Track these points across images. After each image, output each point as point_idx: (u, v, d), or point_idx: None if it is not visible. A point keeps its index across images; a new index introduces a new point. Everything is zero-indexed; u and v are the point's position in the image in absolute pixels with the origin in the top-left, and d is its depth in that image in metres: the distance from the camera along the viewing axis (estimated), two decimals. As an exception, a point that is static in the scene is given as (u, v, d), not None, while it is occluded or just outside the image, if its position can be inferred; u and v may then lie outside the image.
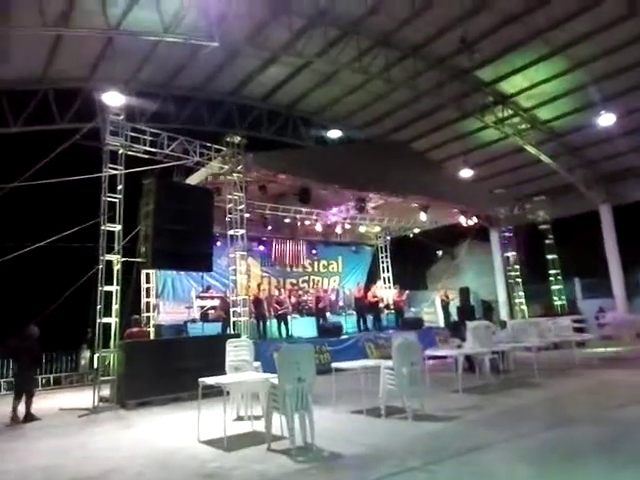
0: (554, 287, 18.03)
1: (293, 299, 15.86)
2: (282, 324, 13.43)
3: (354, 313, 16.16)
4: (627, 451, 4.53)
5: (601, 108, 13.63)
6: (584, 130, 15.49)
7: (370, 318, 15.35)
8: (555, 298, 17.98)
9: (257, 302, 13.40)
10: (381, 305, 16.36)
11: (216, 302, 13.64)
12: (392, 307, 16.77)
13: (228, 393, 5.95)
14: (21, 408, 7.72)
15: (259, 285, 14.88)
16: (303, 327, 14.57)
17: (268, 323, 13.36)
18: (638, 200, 17.57)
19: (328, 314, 15.21)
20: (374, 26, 11.85)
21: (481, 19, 11.39)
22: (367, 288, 16.48)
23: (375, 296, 15.71)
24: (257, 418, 6.19)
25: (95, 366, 9.21)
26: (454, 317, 16.40)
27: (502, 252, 19.62)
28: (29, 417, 7.67)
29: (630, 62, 12.54)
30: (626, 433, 5.19)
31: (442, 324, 16.25)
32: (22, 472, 4.87)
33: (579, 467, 4.10)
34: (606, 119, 13.58)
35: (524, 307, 18.30)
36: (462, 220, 16.25)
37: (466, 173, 16.96)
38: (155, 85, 13.56)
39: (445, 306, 16.62)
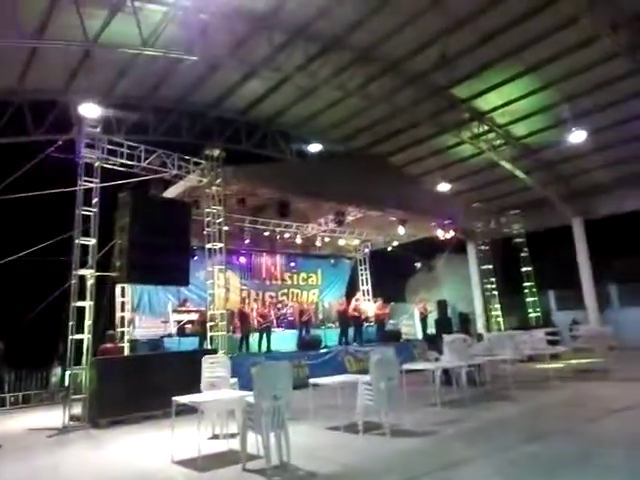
0: (529, 299, 18.35)
1: (273, 312, 15.78)
2: (264, 337, 13.28)
3: (334, 326, 16.13)
4: (601, 464, 4.59)
5: (572, 125, 14.04)
6: (557, 146, 15.92)
7: (351, 331, 15.32)
8: (530, 310, 18.29)
9: (243, 316, 13.26)
10: (362, 318, 16.34)
11: (193, 316, 13.45)
12: (373, 320, 16.78)
13: (202, 412, 5.83)
14: None
15: (244, 299, 14.76)
16: (282, 341, 14.46)
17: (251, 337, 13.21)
18: (608, 214, 18.10)
19: (310, 327, 15.14)
20: (354, 41, 12.00)
21: (458, 37, 11.66)
22: (348, 301, 16.49)
23: (357, 309, 15.72)
24: (233, 436, 6.09)
25: (66, 384, 8.95)
26: (432, 330, 16.49)
27: (479, 265, 19.94)
28: None
29: (599, 81, 12.97)
30: (600, 445, 5.27)
31: (420, 337, 16.31)
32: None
33: (553, 482, 4.14)
34: (577, 136, 13.98)
35: (500, 319, 18.56)
36: (440, 233, 16.45)
37: (444, 187, 17.21)
38: (134, 97, 13.46)
39: (423, 319, 16.71)
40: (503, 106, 14.68)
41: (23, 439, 7.56)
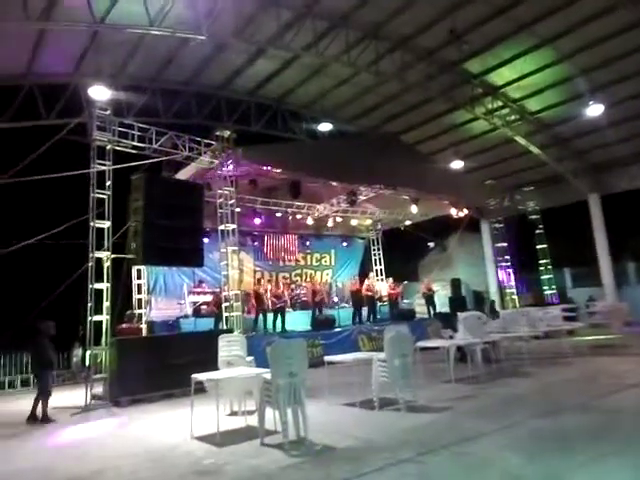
0: (544, 277, 18.21)
1: (286, 293, 15.88)
2: (278, 317, 13.41)
3: (347, 306, 16.20)
4: (615, 438, 4.59)
5: (589, 99, 13.69)
6: (573, 121, 15.58)
7: (365, 311, 15.40)
8: (545, 287, 18.16)
9: (257, 296, 13.38)
10: (376, 298, 16.37)
11: (208, 297, 13.60)
12: (386, 299, 16.81)
13: (221, 389, 5.93)
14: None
15: (259, 280, 14.88)
16: (297, 321, 14.60)
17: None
18: (625, 189, 17.75)
19: (323, 307, 15.24)
20: (363, 18, 11.78)
21: (469, 11, 11.38)
22: (361, 281, 16.52)
23: (370, 289, 15.76)
24: (250, 413, 6.20)
25: (87, 364, 9.16)
26: (439, 309, 16.48)
27: (493, 243, 19.77)
28: (44, 418, 7.34)
29: (616, 53, 12.60)
30: (614, 420, 5.27)
31: (427, 316, 16.25)
32: (13, 474, 4.84)
33: (569, 454, 4.15)
34: (594, 109, 13.65)
35: (515, 297, 18.47)
36: (453, 212, 16.30)
37: (457, 165, 17.00)
38: (142, 79, 13.41)
39: (428, 298, 16.62)
40: (517, 80, 14.36)
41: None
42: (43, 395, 7.39)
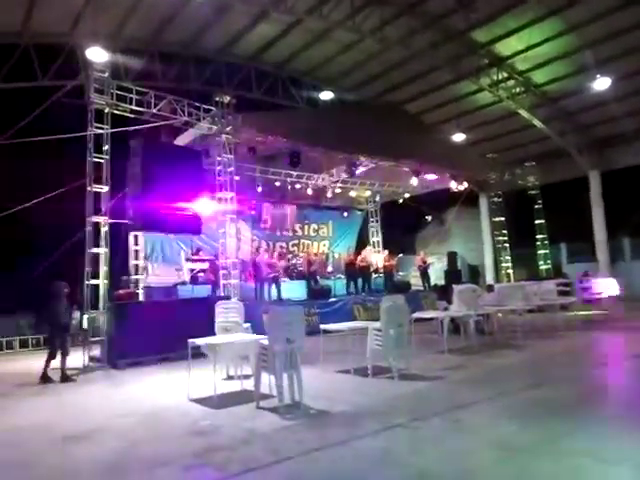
0: (540, 251, 18.30)
1: (283, 263, 15.92)
2: (273, 287, 13.51)
3: (343, 277, 16.30)
4: (605, 407, 4.71)
5: (596, 72, 13.46)
6: (578, 95, 15.36)
7: (360, 282, 15.50)
8: (541, 262, 18.27)
9: (255, 265, 13.43)
10: (371, 269, 16.47)
11: (206, 265, 13.64)
12: (381, 271, 16.91)
13: (217, 354, 6.01)
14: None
15: (258, 249, 14.92)
16: (293, 290, 14.68)
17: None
18: (627, 165, 17.67)
19: (318, 277, 15.33)
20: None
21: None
22: (357, 252, 16.56)
23: (364, 260, 15.82)
24: (247, 377, 6.30)
25: (84, 327, 9.26)
26: (434, 281, 16.61)
27: (491, 217, 19.79)
28: (43, 377, 7.41)
29: (625, 26, 12.32)
30: (604, 390, 5.39)
31: (421, 288, 16.39)
32: (14, 430, 4.95)
33: (559, 422, 4.26)
34: (601, 83, 13.44)
35: (510, 271, 18.61)
36: (453, 185, 16.21)
37: (458, 137, 16.84)
38: (140, 41, 13.08)
39: (423, 271, 16.73)
40: (524, 51, 14.08)
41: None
42: (51, 356, 7.47)
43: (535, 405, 4.89)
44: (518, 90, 15.57)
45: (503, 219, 18.82)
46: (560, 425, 4.19)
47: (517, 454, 3.60)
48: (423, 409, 4.87)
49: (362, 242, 19.76)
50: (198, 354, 6.07)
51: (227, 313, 7.33)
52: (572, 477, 3.19)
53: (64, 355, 7.55)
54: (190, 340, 5.81)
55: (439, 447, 3.83)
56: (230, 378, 6.77)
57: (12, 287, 11.78)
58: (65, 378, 7.45)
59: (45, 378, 7.41)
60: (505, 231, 18.77)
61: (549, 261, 18.30)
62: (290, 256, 17.17)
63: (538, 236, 18.26)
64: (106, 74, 9.72)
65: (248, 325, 7.61)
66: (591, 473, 3.24)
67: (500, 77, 15.06)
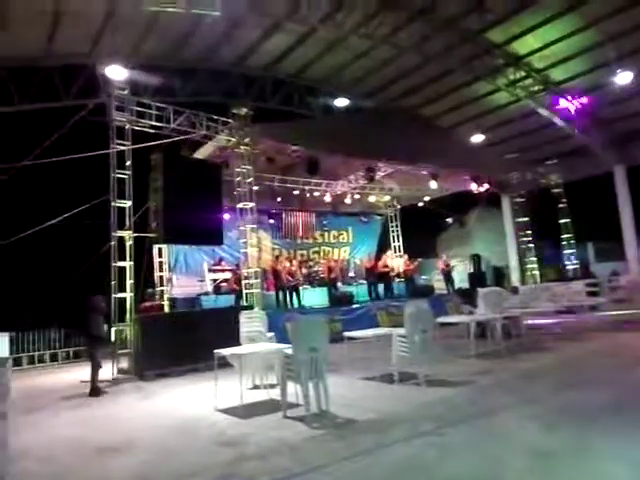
0: (567, 251, 17.92)
1: (304, 270, 15.97)
2: (293, 295, 13.55)
3: (364, 282, 16.26)
4: (637, 412, 4.57)
5: (617, 67, 13.19)
6: (598, 90, 15.05)
7: (381, 287, 15.43)
8: (567, 262, 17.89)
9: (276, 273, 13.50)
10: (392, 274, 16.39)
11: (228, 275, 13.77)
12: (402, 276, 16.80)
13: (243, 364, 6.05)
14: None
15: (277, 257, 15.03)
16: (314, 297, 14.71)
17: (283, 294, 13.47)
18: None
19: (339, 284, 15.31)
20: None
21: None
22: (378, 258, 16.51)
23: (386, 265, 15.75)
24: (272, 387, 6.34)
25: (112, 339, 9.42)
26: (458, 284, 16.42)
27: (514, 218, 19.49)
28: (92, 391, 7.52)
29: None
30: (637, 394, 5.22)
31: (446, 291, 16.23)
32: (49, 444, 5.05)
33: (591, 427, 4.15)
34: (623, 77, 13.18)
35: (536, 272, 18.27)
36: (473, 187, 16.03)
37: (477, 138, 16.69)
38: (158, 58, 13.35)
39: (446, 274, 16.56)
40: (541, 49, 13.89)
41: (77, 390, 8.04)
42: (95, 367, 7.62)
43: (566, 409, 4.78)
44: (537, 88, 15.35)
45: (527, 219, 18.52)
46: (592, 430, 4.08)
47: (548, 460, 3.52)
48: (451, 416, 4.81)
49: (383, 247, 19.67)
50: (225, 364, 6.12)
51: (251, 322, 7.38)
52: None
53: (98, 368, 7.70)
54: (216, 351, 5.86)
55: (468, 454, 3.78)
56: (256, 387, 6.80)
57: (41, 303, 12.08)
58: (97, 391, 7.58)
59: (96, 391, 7.52)
60: (529, 231, 18.46)
61: (576, 261, 17.90)
62: (311, 263, 17.21)
63: (564, 235, 17.89)
64: (126, 91, 9.96)
65: (272, 334, 7.65)
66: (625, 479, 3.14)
67: (517, 76, 14.87)
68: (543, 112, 15.80)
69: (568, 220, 17.87)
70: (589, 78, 14.89)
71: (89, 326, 7.88)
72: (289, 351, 5.42)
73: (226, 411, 5.65)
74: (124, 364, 9.12)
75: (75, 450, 4.70)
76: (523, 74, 14.94)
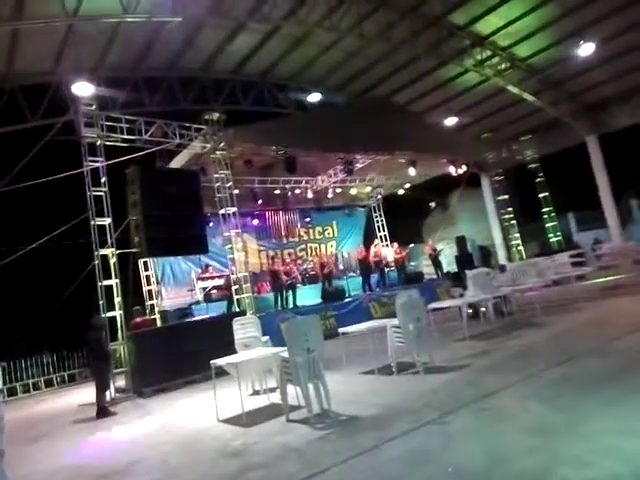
0: (548, 224, 18.18)
1: (295, 269, 15.94)
2: (290, 294, 13.49)
3: (355, 275, 16.29)
4: (635, 377, 4.65)
5: (579, 39, 13.35)
6: (563, 63, 15.23)
7: (374, 277, 15.48)
8: (550, 235, 18.15)
9: (274, 273, 13.42)
10: (383, 263, 16.43)
11: (217, 282, 13.68)
12: (393, 264, 16.88)
13: (240, 372, 6.02)
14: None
15: (273, 257, 14.99)
16: (307, 295, 14.70)
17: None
18: (623, 126, 17.50)
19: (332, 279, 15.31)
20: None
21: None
22: (367, 248, 16.54)
23: (377, 255, 15.79)
24: (272, 390, 6.32)
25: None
26: (447, 268, 16.55)
27: (494, 196, 19.71)
28: (100, 412, 7.41)
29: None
30: (632, 360, 5.31)
31: (435, 276, 16.36)
32: (50, 472, 4.97)
33: (590, 399, 4.21)
34: (585, 49, 13.35)
35: (521, 248, 18.51)
36: (452, 170, 16.14)
37: (451, 121, 16.78)
38: (123, 69, 13.10)
39: (434, 259, 16.69)
40: (504, 27, 13.95)
41: (77, 415, 7.94)
42: (102, 387, 7.54)
43: (564, 384, 4.85)
44: (504, 66, 15.44)
45: (507, 197, 18.74)
46: (591, 402, 4.14)
47: (550, 437, 3.56)
48: (452, 402, 4.84)
49: (369, 238, 19.73)
50: (222, 372, 6.08)
51: (245, 329, 7.34)
52: (608, 456, 3.14)
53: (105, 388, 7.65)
54: (212, 361, 5.82)
55: (472, 440, 3.80)
56: (256, 393, 6.79)
57: (31, 328, 11.88)
58: (105, 412, 7.43)
59: (105, 412, 7.41)
60: (510, 208, 18.69)
61: (559, 232, 18.17)
62: (300, 261, 17.19)
63: (544, 209, 18.15)
64: (94, 107, 9.81)
65: (267, 338, 7.63)
66: (627, 450, 3.18)
67: (484, 56, 14.94)
68: (512, 89, 15.93)
69: (547, 194, 18.11)
70: (553, 52, 15.03)
71: (95, 345, 7.82)
72: (285, 354, 5.40)
73: (228, 421, 5.62)
74: (121, 382, 9.02)
75: (81, 478, 4.63)
76: (489, 53, 15.01)
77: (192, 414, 6.57)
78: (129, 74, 13.23)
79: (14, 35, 10.47)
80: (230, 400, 5.98)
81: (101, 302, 9.02)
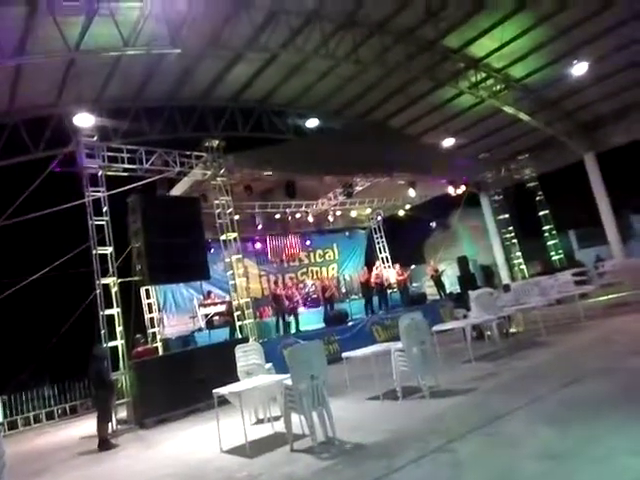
0: (550, 242, 18.15)
1: (297, 293, 15.87)
2: (292, 318, 13.40)
3: (357, 297, 16.20)
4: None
5: (572, 58, 13.59)
6: (558, 83, 15.48)
7: (376, 300, 15.40)
8: (552, 253, 18.11)
9: (276, 298, 13.36)
10: (385, 285, 16.36)
11: (219, 308, 13.61)
12: (396, 286, 16.81)
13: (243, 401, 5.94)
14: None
15: (276, 282, 14.95)
16: (309, 319, 14.60)
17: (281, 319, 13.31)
18: (619, 144, 17.65)
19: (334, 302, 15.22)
20: (336, 8, 11.68)
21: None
22: (369, 270, 16.52)
23: (379, 277, 15.74)
24: (276, 418, 6.22)
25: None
26: (449, 289, 16.47)
27: (494, 215, 19.74)
28: (102, 444, 7.26)
29: (594, 9, 12.46)
30: (638, 382, 5.23)
31: (438, 297, 16.28)
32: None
33: (600, 421, 4.14)
34: (579, 68, 13.58)
35: (523, 267, 18.43)
36: (451, 190, 16.23)
37: (448, 142, 16.95)
38: (124, 100, 13.34)
39: (437, 280, 16.63)
40: (498, 49, 14.21)
41: (78, 448, 7.80)
42: (104, 418, 7.41)
43: (572, 405, 4.76)
44: (499, 87, 15.69)
45: (507, 216, 18.77)
46: (601, 424, 4.07)
47: (561, 461, 3.48)
48: (459, 427, 4.76)
49: (370, 260, 19.71)
50: (225, 400, 6.00)
51: (247, 356, 7.28)
52: (620, 478, 3.07)
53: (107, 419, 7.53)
54: (215, 391, 5.75)
55: (481, 467, 3.72)
56: (260, 422, 6.68)
57: (32, 360, 11.78)
58: (107, 444, 7.30)
59: (106, 444, 7.25)
60: (511, 227, 18.69)
61: (560, 250, 18.13)
62: (301, 285, 17.14)
63: (545, 227, 18.15)
64: (95, 138, 9.94)
65: (270, 365, 7.56)
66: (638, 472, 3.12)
67: (478, 78, 15.20)
68: (508, 110, 16.14)
69: (547, 212, 18.15)
70: (548, 72, 15.29)
71: (97, 375, 7.73)
72: (289, 381, 5.34)
73: (232, 451, 5.51)
74: (122, 414, 8.89)
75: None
76: (484, 75, 15.28)
77: (195, 445, 6.45)
78: (130, 104, 13.47)
79: (17, 71, 10.69)
80: (233, 429, 5.88)
81: (103, 331, 8.97)
